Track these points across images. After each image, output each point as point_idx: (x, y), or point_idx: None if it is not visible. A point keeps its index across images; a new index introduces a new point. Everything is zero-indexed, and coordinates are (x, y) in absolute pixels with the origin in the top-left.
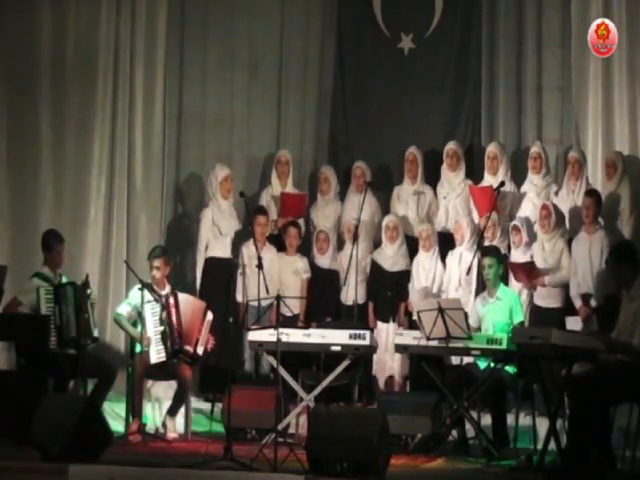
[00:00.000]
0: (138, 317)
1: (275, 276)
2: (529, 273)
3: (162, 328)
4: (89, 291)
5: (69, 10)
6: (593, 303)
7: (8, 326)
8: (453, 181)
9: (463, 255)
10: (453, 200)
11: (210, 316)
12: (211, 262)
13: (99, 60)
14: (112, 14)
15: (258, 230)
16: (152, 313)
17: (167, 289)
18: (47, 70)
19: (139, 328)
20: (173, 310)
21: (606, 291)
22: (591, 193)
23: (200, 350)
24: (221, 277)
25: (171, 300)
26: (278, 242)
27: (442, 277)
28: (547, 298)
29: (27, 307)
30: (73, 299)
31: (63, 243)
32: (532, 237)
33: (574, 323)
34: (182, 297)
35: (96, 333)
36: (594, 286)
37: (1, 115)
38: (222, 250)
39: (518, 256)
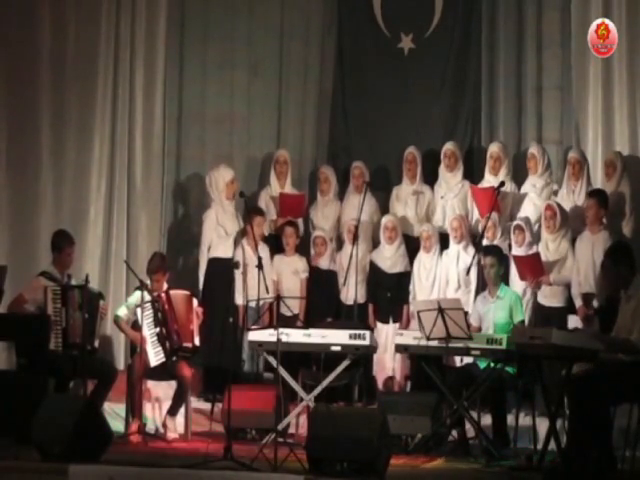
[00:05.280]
0: (135, 317)
1: (269, 276)
2: (534, 266)
3: (157, 329)
4: (102, 302)
5: (69, 10)
6: (595, 304)
7: (8, 326)
8: (450, 181)
9: (460, 254)
10: (451, 200)
11: (196, 303)
12: (215, 263)
13: (99, 60)
14: (112, 14)
15: (256, 231)
16: (146, 315)
17: (163, 288)
18: (47, 70)
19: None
20: (167, 310)
21: (606, 292)
22: (592, 194)
23: (197, 340)
24: (225, 277)
25: (164, 300)
26: (277, 242)
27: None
28: (550, 297)
29: (33, 305)
30: (80, 302)
31: (74, 245)
32: (534, 237)
33: (576, 322)
34: (172, 294)
35: (96, 344)
36: (596, 286)
37: (1, 115)
38: (225, 251)
39: (520, 254)
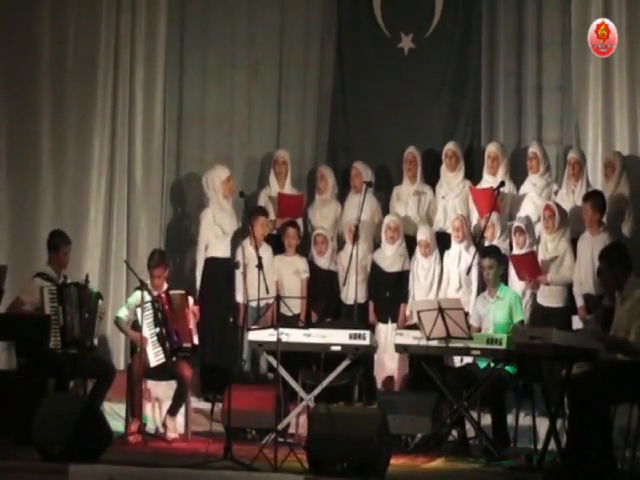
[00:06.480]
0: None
1: (270, 276)
2: (530, 265)
3: (157, 330)
4: (100, 302)
5: (69, 11)
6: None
7: (8, 326)
8: (452, 181)
9: (462, 254)
10: (452, 200)
11: (191, 301)
12: (212, 262)
13: (99, 61)
14: (112, 14)
15: (259, 231)
16: (146, 315)
17: (163, 288)
18: (47, 71)
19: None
20: (167, 310)
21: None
22: (586, 198)
23: (196, 339)
24: (222, 277)
25: (164, 300)
26: (277, 243)
27: (441, 277)
28: (549, 297)
29: (31, 307)
30: (77, 299)
31: (70, 244)
32: (534, 238)
33: (579, 322)
34: (170, 294)
35: (95, 342)
36: (595, 287)
37: (1, 115)
38: (222, 250)
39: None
